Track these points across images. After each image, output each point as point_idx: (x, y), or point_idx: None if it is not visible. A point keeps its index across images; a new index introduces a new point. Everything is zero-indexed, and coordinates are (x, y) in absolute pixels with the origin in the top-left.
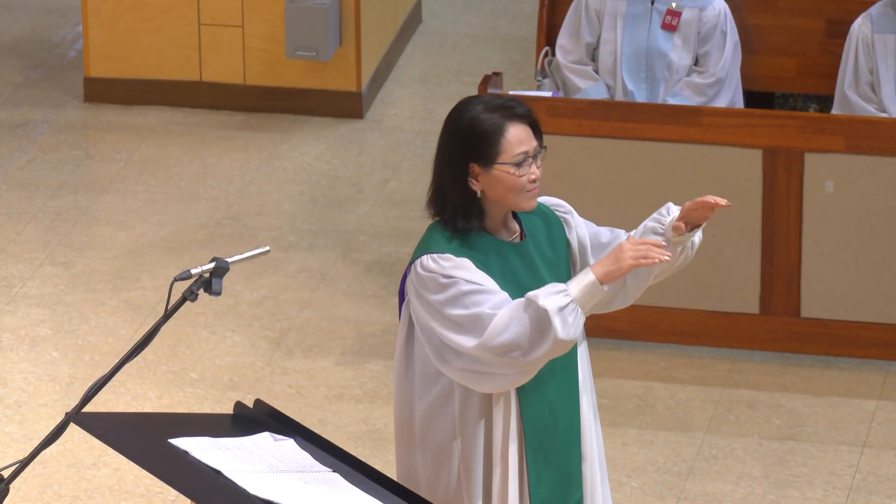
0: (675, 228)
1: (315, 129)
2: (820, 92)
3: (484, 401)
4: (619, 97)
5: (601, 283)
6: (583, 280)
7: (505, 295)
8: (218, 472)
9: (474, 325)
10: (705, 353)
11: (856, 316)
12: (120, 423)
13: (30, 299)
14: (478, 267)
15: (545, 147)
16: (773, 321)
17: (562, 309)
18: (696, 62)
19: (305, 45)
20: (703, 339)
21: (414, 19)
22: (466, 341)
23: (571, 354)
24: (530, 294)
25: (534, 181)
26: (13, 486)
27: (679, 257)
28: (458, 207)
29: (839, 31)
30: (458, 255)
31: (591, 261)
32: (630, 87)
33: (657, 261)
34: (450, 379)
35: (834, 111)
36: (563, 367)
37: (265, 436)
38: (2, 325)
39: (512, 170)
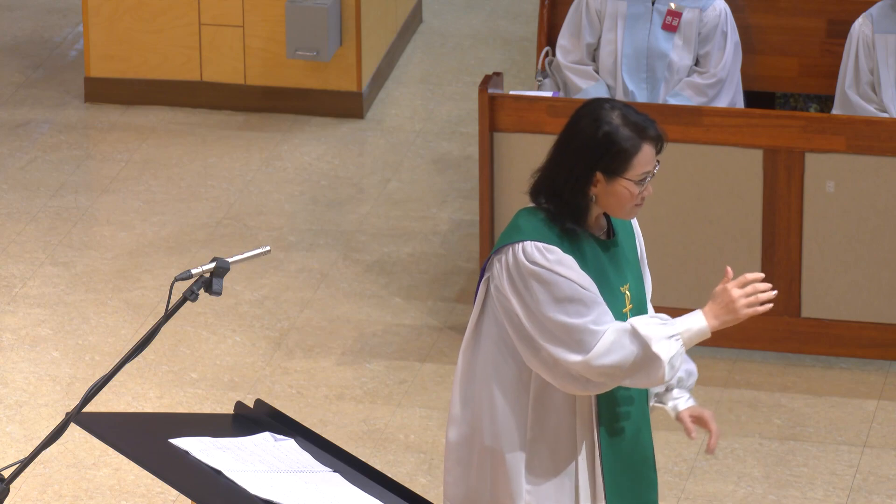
0: (678, 418)
1: (316, 129)
2: (821, 92)
3: (562, 395)
4: (620, 97)
5: (710, 329)
6: (694, 326)
7: (604, 306)
8: (218, 472)
9: (577, 339)
10: (706, 352)
11: (856, 316)
12: (120, 423)
13: (30, 299)
14: (579, 266)
15: (658, 163)
16: (774, 321)
17: (673, 357)
18: (697, 62)
19: (306, 45)
20: None
21: (415, 19)
22: (570, 356)
23: None
24: (639, 328)
25: (643, 198)
26: (14, 486)
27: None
28: (570, 207)
29: (840, 31)
30: (561, 248)
31: (645, 273)
32: (630, 87)
33: (769, 305)
34: (521, 364)
35: (834, 111)
36: None
37: (266, 436)
38: (2, 325)
39: (633, 188)
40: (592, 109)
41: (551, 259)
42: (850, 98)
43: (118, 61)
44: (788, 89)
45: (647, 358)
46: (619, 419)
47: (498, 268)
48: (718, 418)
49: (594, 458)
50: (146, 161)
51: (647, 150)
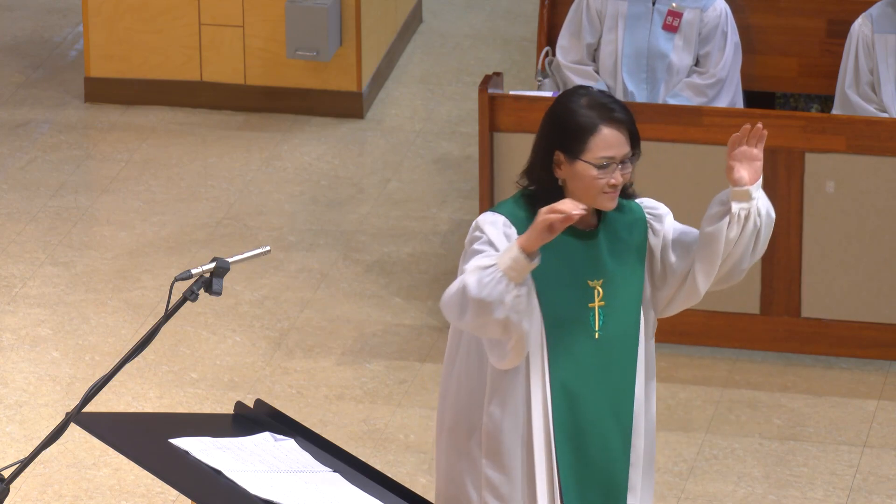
0: (735, 181)
1: (316, 129)
2: (821, 92)
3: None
4: (620, 98)
5: (522, 251)
6: (509, 248)
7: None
8: (219, 472)
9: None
10: (706, 352)
11: (856, 316)
12: (120, 423)
13: (30, 299)
14: (541, 249)
15: (638, 153)
16: (774, 321)
17: (482, 268)
18: (697, 62)
19: (306, 45)
20: (703, 338)
21: (415, 19)
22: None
23: (628, 355)
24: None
25: (613, 185)
26: (14, 486)
27: (748, 225)
28: (542, 189)
29: (840, 31)
30: (515, 223)
31: (671, 257)
32: (630, 87)
33: (567, 212)
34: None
35: (834, 111)
36: (611, 367)
37: (266, 436)
38: (2, 325)
39: (593, 170)
40: (565, 92)
41: (488, 220)
42: (850, 98)
43: (118, 61)
44: (788, 89)
45: (462, 280)
46: (576, 413)
47: None
48: (719, 418)
49: (550, 449)
50: (146, 161)
51: (607, 133)
